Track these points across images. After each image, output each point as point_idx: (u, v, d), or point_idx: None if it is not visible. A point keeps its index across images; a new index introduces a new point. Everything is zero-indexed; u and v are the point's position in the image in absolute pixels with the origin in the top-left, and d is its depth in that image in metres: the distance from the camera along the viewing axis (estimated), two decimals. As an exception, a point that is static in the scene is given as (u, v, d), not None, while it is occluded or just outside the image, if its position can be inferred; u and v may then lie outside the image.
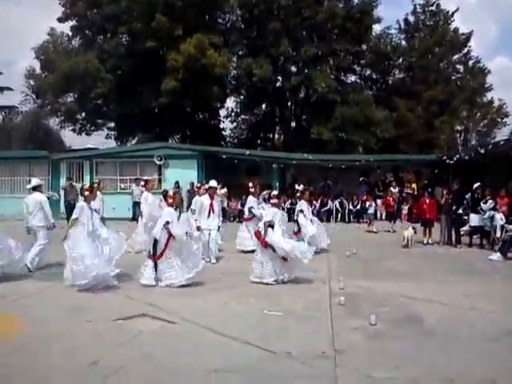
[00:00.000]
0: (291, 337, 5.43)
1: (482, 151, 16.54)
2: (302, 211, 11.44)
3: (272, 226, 8.46)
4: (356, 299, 7.05)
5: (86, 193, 8.65)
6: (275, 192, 10.11)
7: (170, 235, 8.18)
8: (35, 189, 9.77)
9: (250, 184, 12.59)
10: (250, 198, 12.22)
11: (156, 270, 8.12)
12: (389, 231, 16.68)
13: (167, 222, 8.24)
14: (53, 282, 8.24)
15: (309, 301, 7.03)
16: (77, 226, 8.18)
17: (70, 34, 33.11)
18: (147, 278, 8.10)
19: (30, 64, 35.64)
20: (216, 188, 11.09)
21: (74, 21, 31.85)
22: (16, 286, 8.09)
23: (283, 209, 9.38)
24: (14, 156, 24.73)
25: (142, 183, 12.67)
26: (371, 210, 18.85)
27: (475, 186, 13.44)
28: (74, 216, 8.30)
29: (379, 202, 20.14)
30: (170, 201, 8.74)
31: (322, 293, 7.57)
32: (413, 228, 13.16)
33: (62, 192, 19.05)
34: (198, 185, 12.51)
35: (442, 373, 4.40)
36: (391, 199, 17.95)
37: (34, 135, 38.66)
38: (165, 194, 9.02)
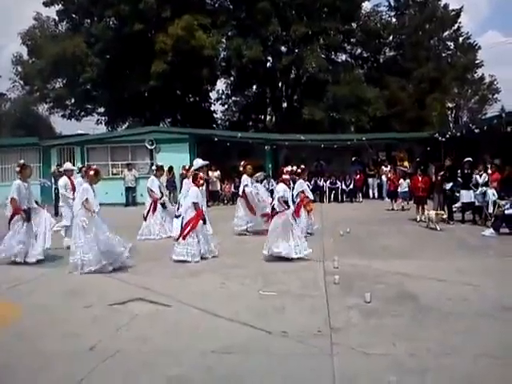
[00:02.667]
0: (287, 316, 5.46)
1: (474, 128, 16.53)
2: (303, 192, 11.34)
3: (286, 202, 8.81)
4: (351, 278, 7.09)
5: (91, 172, 8.50)
6: (288, 168, 10.17)
7: (198, 215, 8.76)
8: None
9: (242, 163, 12.63)
10: (244, 176, 12.19)
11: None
12: (393, 209, 16.79)
13: (195, 203, 8.80)
14: (50, 269, 8.27)
15: (304, 280, 7.07)
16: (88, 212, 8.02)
17: (57, 18, 32.57)
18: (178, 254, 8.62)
19: (17, 50, 35.20)
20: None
21: (60, 4, 31.31)
22: (13, 272, 8.09)
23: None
24: (3, 144, 24.47)
25: (154, 168, 13.05)
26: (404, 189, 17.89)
27: (464, 161, 13.42)
28: (83, 198, 8.08)
29: (384, 179, 19.83)
30: (201, 182, 9.48)
31: (317, 272, 7.60)
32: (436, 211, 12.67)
33: (52, 179, 18.93)
34: (187, 167, 12.51)
35: (438, 348, 4.44)
36: (393, 177, 17.80)
37: (23, 122, 38.36)
38: (194, 175, 9.46)
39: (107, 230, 8.02)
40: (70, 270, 7.89)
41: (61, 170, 11.11)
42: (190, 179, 10.35)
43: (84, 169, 10.26)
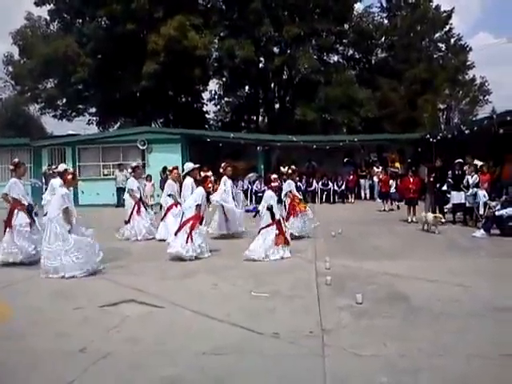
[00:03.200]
0: (278, 317, 5.45)
1: (465, 129, 16.63)
2: (291, 191, 11.41)
3: (271, 210, 8.92)
4: (342, 278, 7.09)
5: (70, 177, 8.29)
6: (275, 175, 10.15)
7: (198, 216, 8.97)
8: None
9: (223, 164, 12.43)
10: (224, 178, 11.98)
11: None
12: (384, 210, 16.85)
13: (198, 205, 9.01)
14: (38, 270, 8.16)
15: (296, 281, 7.07)
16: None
17: (48, 18, 32.44)
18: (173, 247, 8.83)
19: (8, 50, 34.95)
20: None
21: (51, 4, 31.15)
22: (2, 273, 8.03)
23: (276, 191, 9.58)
24: (-6, 144, 24.29)
25: (130, 170, 12.61)
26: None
27: (455, 162, 13.47)
28: (63, 205, 7.81)
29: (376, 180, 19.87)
30: (210, 185, 9.69)
31: (308, 273, 7.60)
32: (434, 214, 12.43)
33: (43, 179, 18.82)
34: (170, 168, 12.41)
35: (430, 349, 4.44)
36: (385, 178, 17.95)
37: (14, 122, 38.11)
38: (204, 178, 9.68)
39: (85, 235, 7.90)
40: (43, 274, 7.68)
41: (55, 170, 11.04)
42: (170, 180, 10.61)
43: (55, 170, 10.03)
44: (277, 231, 8.88)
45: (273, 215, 8.94)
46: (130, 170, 12.81)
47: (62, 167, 10.97)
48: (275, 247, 8.75)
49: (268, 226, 8.95)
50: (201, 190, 9.30)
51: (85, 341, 4.78)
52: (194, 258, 8.76)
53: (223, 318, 5.41)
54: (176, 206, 11.12)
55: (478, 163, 13.33)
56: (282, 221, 9.22)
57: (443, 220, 11.95)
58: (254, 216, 9.91)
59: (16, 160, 9.45)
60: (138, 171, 12.43)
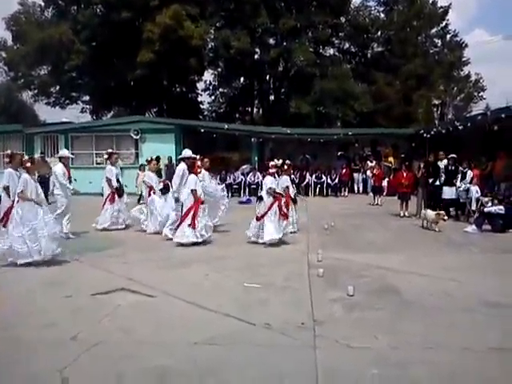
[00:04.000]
0: (271, 309, 5.46)
1: (459, 125, 16.67)
2: (287, 187, 10.87)
3: (275, 191, 9.44)
4: (334, 271, 7.12)
5: (28, 164, 8.25)
6: (273, 162, 10.15)
7: (197, 202, 9.28)
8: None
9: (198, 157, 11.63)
10: (203, 171, 11.27)
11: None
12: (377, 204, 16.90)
13: (193, 190, 9.30)
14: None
15: (288, 273, 7.08)
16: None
17: (43, 4, 32.14)
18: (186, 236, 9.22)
19: (1, 35, 34.61)
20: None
21: (46, -10, 30.89)
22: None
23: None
24: (-14, 131, 24.07)
25: (105, 156, 12.43)
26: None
27: (448, 157, 13.47)
28: (20, 188, 7.83)
29: (369, 174, 19.93)
30: (199, 170, 10.08)
31: (301, 265, 7.62)
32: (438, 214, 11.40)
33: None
34: (149, 159, 12.23)
35: (420, 342, 4.48)
36: (378, 173, 18.04)
37: (6, 109, 37.74)
38: (192, 163, 9.93)
39: (47, 222, 7.77)
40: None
41: (59, 156, 11.07)
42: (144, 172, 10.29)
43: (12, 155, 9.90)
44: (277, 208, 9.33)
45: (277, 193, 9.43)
46: (105, 156, 12.58)
47: (64, 152, 11.19)
48: (286, 222, 9.51)
49: (269, 208, 9.28)
50: (193, 177, 9.53)
51: (76, 329, 4.77)
52: (195, 242, 9.19)
53: (216, 308, 5.41)
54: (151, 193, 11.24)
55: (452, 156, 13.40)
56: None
57: (445, 218, 11.39)
58: (258, 201, 9.77)
59: (9, 151, 9.58)
60: (114, 157, 12.18)
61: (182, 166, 10.16)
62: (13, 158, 9.09)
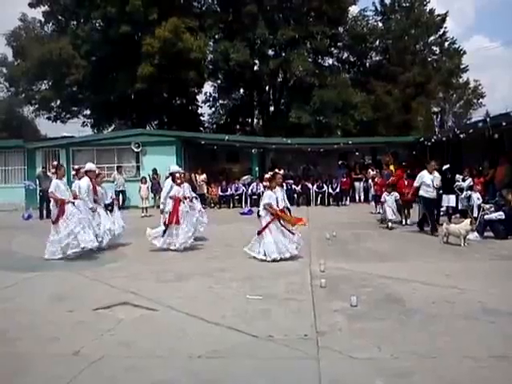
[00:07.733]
0: (273, 320, 5.44)
1: (459, 132, 16.69)
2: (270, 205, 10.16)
3: (271, 207, 9.11)
4: (337, 281, 7.09)
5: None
6: (268, 175, 10.01)
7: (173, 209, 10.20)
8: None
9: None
10: (186, 185, 11.32)
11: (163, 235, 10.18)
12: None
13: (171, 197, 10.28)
14: (31, 273, 8.14)
15: (290, 284, 7.06)
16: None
17: (43, 19, 32.40)
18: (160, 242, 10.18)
19: (2, 51, 34.83)
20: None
21: (46, 6, 31.12)
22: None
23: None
24: (-12, 146, 24.16)
25: (53, 170, 12.00)
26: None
27: (444, 167, 13.41)
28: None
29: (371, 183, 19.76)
30: (178, 181, 10.61)
31: (303, 276, 7.60)
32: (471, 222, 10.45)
33: (37, 181, 18.72)
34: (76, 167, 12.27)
35: (424, 351, 4.45)
36: (380, 181, 17.92)
37: (8, 124, 37.91)
38: (173, 175, 10.71)
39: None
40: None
41: (85, 170, 10.90)
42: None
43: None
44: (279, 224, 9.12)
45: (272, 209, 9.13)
46: (52, 170, 12.08)
47: (90, 166, 10.92)
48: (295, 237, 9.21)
49: (267, 225, 9.03)
50: (177, 188, 10.52)
51: (78, 344, 4.75)
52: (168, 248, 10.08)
53: (218, 321, 5.40)
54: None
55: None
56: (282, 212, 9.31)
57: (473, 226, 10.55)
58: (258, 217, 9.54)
59: (55, 163, 10.49)
60: (61, 171, 10.48)
61: (169, 180, 10.95)
62: (58, 170, 10.02)
